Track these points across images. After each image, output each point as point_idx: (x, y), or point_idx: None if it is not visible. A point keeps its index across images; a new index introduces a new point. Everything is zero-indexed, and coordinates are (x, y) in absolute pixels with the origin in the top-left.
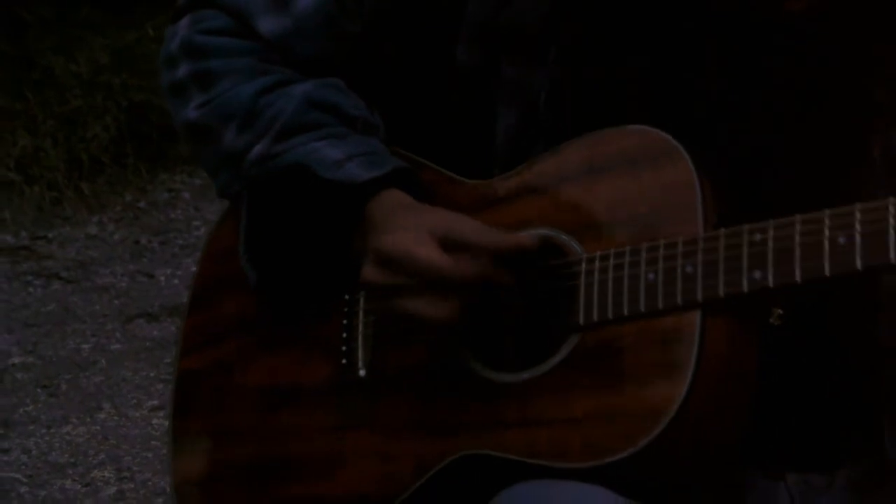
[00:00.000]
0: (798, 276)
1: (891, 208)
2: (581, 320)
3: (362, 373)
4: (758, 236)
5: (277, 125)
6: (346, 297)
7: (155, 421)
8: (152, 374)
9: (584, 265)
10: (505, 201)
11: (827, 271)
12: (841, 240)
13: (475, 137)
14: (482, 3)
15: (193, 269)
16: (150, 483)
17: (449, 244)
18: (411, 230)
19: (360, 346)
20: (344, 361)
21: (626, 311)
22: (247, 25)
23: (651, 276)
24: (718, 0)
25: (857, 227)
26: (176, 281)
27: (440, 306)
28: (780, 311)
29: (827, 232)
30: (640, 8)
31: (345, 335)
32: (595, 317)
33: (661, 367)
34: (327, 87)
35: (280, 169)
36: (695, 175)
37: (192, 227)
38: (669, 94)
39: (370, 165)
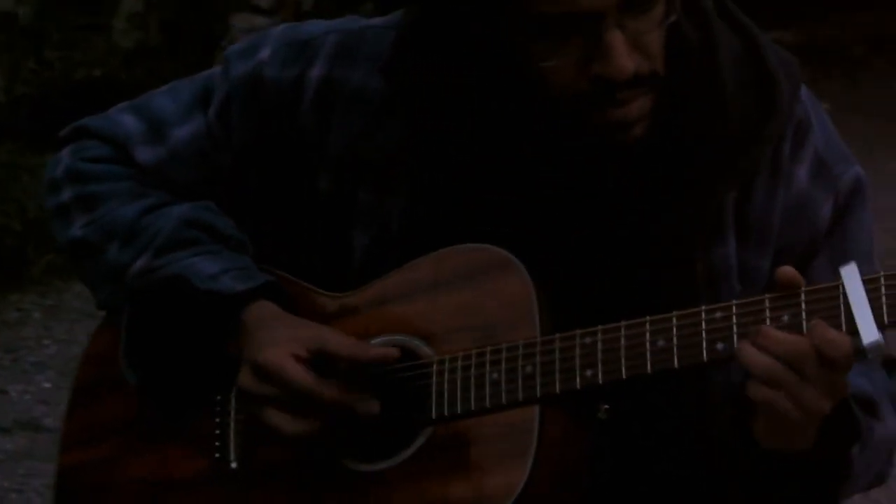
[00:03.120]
0: (624, 374)
1: (703, 315)
2: (434, 415)
3: (234, 465)
4: (588, 339)
5: (158, 242)
6: (219, 396)
7: None
8: (6, 485)
9: (435, 367)
10: (363, 311)
11: (649, 369)
12: (660, 343)
13: (333, 256)
14: (341, 137)
15: (45, 384)
16: None
17: (320, 357)
18: (287, 344)
19: (232, 441)
20: (217, 455)
21: (473, 407)
22: (126, 154)
23: (495, 375)
24: (554, 130)
25: (675, 331)
26: (28, 396)
27: (301, 423)
28: (607, 407)
29: (648, 335)
30: (486, 146)
31: (218, 431)
32: (446, 412)
33: (506, 456)
34: (202, 208)
35: (161, 281)
36: (532, 287)
37: (41, 345)
38: (512, 218)
39: (243, 278)
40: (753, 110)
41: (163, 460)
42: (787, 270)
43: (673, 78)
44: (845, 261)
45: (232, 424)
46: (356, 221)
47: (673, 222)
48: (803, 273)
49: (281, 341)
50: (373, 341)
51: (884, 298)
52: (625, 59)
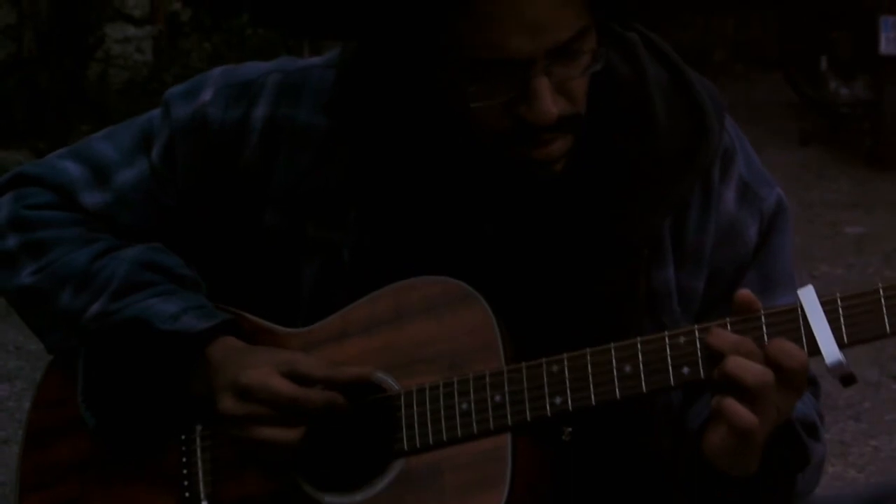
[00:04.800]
0: (593, 400)
1: (667, 340)
2: (405, 446)
3: (204, 502)
4: (555, 367)
5: (113, 285)
6: (183, 435)
7: None
8: None
9: (402, 398)
10: (325, 345)
11: (617, 395)
12: (627, 368)
13: (282, 288)
14: (287, 173)
15: None
16: None
17: (294, 378)
18: (263, 366)
19: (200, 479)
20: (187, 495)
21: (445, 437)
22: (71, 200)
23: (464, 405)
24: (482, 166)
25: (640, 357)
26: None
27: (290, 431)
28: (570, 429)
29: (614, 362)
30: (426, 180)
31: (185, 470)
32: (418, 443)
33: (481, 484)
34: (153, 250)
35: (119, 323)
36: (492, 317)
37: None
38: (458, 249)
39: (203, 317)
40: (685, 140)
41: (129, 500)
42: (745, 294)
43: (604, 111)
44: (771, 277)
45: (199, 462)
46: (304, 254)
47: (614, 250)
48: (733, 291)
49: (259, 364)
50: None
51: (842, 319)
52: (549, 105)
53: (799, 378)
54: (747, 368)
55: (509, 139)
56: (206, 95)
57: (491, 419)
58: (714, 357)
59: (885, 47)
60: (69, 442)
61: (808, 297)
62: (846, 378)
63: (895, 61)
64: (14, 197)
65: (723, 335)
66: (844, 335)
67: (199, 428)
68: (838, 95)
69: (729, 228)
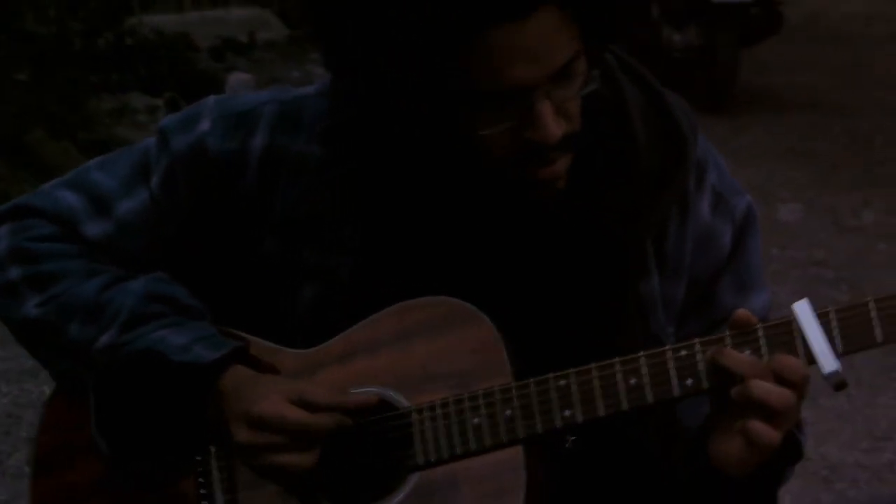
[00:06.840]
0: (602, 412)
1: (669, 353)
2: (420, 461)
3: None
4: (562, 382)
5: (122, 318)
6: (198, 457)
7: None
8: None
9: (414, 415)
10: (331, 366)
11: (625, 406)
12: (632, 381)
13: (280, 312)
14: (285, 201)
15: None
16: None
17: (303, 406)
18: (272, 395)
19: (218, 499)
20: None
21: (458, 451)
22: (72, 231)
23: (476, 420)
24: (488, 188)
25: (644, 370)
26: None
27: (305, 456)
28: (573, 438)
29: (619, 376)
30: (425, 205)
31: (202, 490)
32: (432, 457)
33: (499, 493)
34: (159, 281)
35: (131, 355)
36: (498, 334)
37: None
38: (456, 270)
39: (213, 347)
40: (664, 158)
41: None
42: (742, 313)
43: (589, 132)
44: (745, 279)
45: (216, 482)
46: (302, 279)
47: (603, 265)
48: (710, 295)
49: (268, 394)
50: None
51: (836, 331)
52: (553, 126)
53: (802, 389)
54: (772, 392)
55: (517, 161)
56: (204, 125)
57: (503, 433)
58: (719, 371)
59: None
60: (82, 464)
61: (804, 311)
62: (839, 384)
63: (726, 8)
64: (13, 229)
65: (736, 357)
66: (840, 346)
67: (213, 449)
68: (671, 42)
69: (705, 237)
